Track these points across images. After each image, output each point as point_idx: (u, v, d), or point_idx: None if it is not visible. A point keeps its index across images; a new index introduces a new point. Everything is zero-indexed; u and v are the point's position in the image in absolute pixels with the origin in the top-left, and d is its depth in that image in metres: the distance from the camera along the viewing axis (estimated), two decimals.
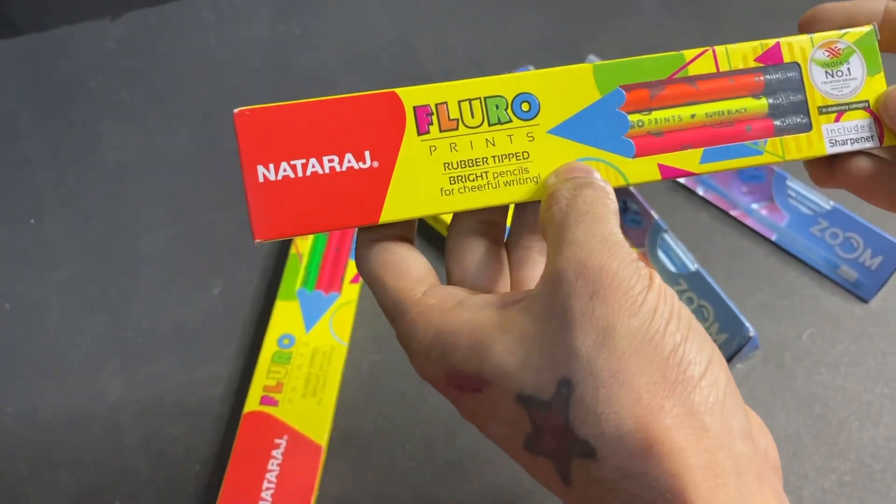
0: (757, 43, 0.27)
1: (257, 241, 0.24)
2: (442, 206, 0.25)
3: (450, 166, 0.25)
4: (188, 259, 0.51)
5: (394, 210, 0.25)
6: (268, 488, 0.39)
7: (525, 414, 0.21)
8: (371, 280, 0.26)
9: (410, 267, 0.25)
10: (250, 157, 0.25)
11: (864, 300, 0.48)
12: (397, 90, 0.26)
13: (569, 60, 0.61)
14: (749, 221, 0.51)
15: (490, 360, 0.22)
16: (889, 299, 0.48)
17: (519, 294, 0.24)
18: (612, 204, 0.24)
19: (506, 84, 0.26)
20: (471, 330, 0.23)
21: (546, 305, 0.22)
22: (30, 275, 0.50)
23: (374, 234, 0.26)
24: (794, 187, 0.50)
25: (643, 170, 0.26)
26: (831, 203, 0.49)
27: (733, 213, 0.51)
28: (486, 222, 0.26)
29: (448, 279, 0.27)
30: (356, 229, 0.27)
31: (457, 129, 0.25)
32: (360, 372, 0.46)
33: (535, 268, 0.27)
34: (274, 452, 0.40)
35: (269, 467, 0.40)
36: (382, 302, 0.25)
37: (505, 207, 0.27)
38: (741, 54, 0.27)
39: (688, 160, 0.26)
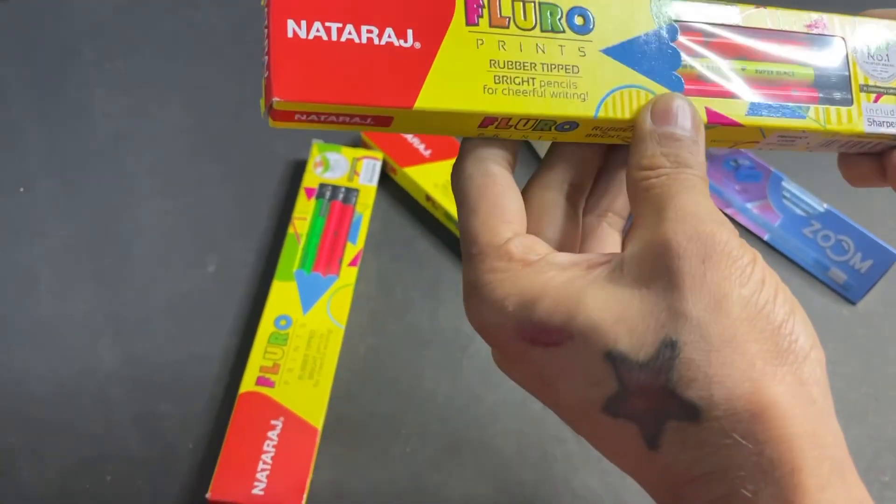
0: (804, 12, 0.27)
1: (275, 98, 0.21)
2: (484, 104, 0.23)
3: (496, 64, 0.24)
4: (182, 234, 0.50)
5: (432, 98, 0.23)
6: (263, 469, 0.39)
7: (612, 373, 0.21)
8: (464, 202, 0.24)
9: (507, 204, 0.24)
10: (280, 8, 0.22)
11: (853, 302, 0.49)
12: None
13: None
14: (742, 220, 0.52)
15: (579, 314, 0.21)
16: (876, 302, 0.50)
17: (605, 256, 0.23)
18: (708, 186, 0.24)
19: None
20: (558, 285, 0.22)
21: (648, 268, 0.22)
22: (20, 244, 0.49)
23: (485, 147, 0.25)
24: (790, 188, 0.51)
25: None
26: (825, 205, 0.50)
27: (727, 211, 0.52)
28: (569, 183, 0.26)
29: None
30: (462, 139, 0.25)
31: (507, 27, 0.24)
32: (356, 356, 0.46)
33: (603, 238, 0.27)
34: (270, 433, 0.40)
35: (265, 448, 0.40)
36: (467, 230, 0.24)
37: (592, 170, 0.27)
38: (791, 19, 0.27)
39: (735, 109, 0.26)
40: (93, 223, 0.50)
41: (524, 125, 0.24)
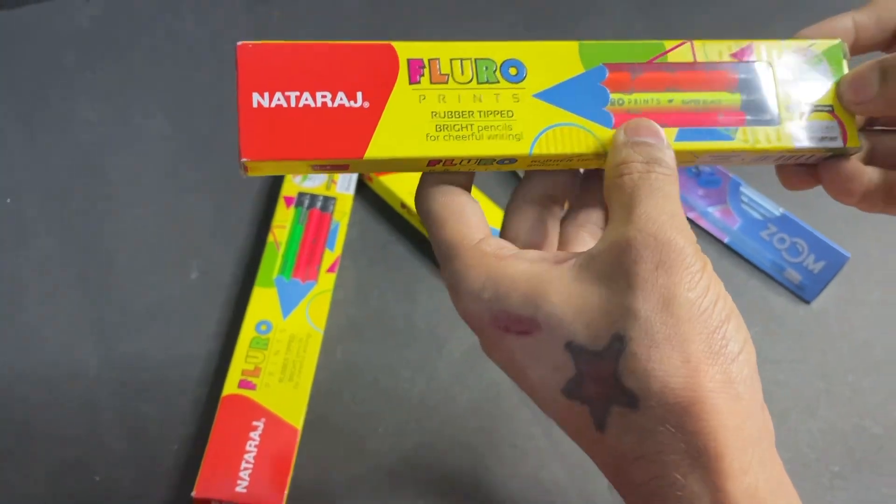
0: (732, 41, 0.30)
1: (243, 159, 0.25)
2: (426, 150, 0.26)
3: (437, 115, 0.27)
4: (165, 241, 0.52)
5: (380, 148, 0.26)
6: (245, 468, 0.41)
7: (571, 360, 0.24)
8: (431, 219, 0.27)
9: (470, 214, 0.27)
10: (246, 84, 0.26)
11: (807, 301, 0.52)
12: (393, 42, 0.27)
13: None
14: (704, 223, 0.54)
15: (545, 306, 0.24)
16: (829, 301, 0.52)
17: (571, 253, 0.26)
18: (677, 185, 0.26)
19: (496, 49, 0.28)
20: (528, 278, 0.25)
21: (609, 266, 0.24)
22: (6, 252, 0.50)
23: (440, 177, 0.28)
24: (748, 193, 0.53)
25: None
26: (781, 210, 0.52)
27: (690, 214, 0.54)
28: (548, 195, 0.29)
29: (501, 237, 0.29)
30: (422, 173, 0.28)
31: (446, 82, 0.27)
32: (334, 359, 0.48)
33: (582, 245, 0.29)
34: (252, 434, 0.42)
35: (247, 448, 0.42)
36: (439, 240, 0.27)
37: (570, 181, 0.29)
38: (717, 49, 0.29)
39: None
40: (77, 231, 0.52)
41: (468, 162, 0.27)
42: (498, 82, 0.27)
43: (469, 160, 0.27)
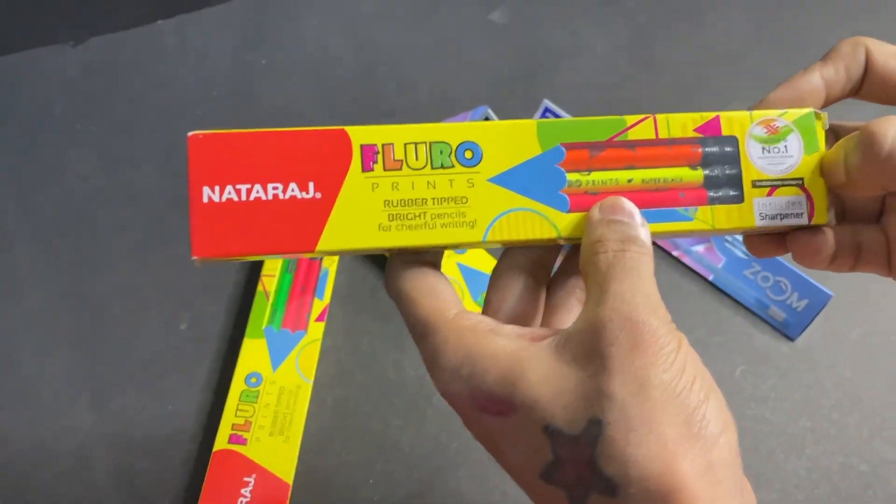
0: (697, 114, 0.29)
1: (194, 258, 0.25)
2: (379, 241, 0.26)
3: (390, 204, 0.26)
4: (156, 292, 0.52)
5: (331, 241, 0.26)
6: None
7: (548, 444, 0.23)
8: (402, 299, 0.27)
9: (443, 290, 0.27)
10: (197, 178, 0.26)
11: (791, 339, 0.52)
12: (346, 128, 0.27)
13: (524, 99, 0.64)
14: (688, 261, 0.55)
15: (522, 388, 0.24)
16: (813, 338, 0.53)
17: (549, 331, 0.26)
18: (652, 263, 0.26)
19: (452, 132, 0.27)
20: (506, 356, 0.25)
21: (585, 348, 0.24)
22: None
23: (408, 257, 0.28)
24: None
25: (577, 225, 0.28)
26: None
27: (674, 252, 0.55)
28: (534, 261, 0.29)
29: (484, 308, 0.29)
30: (388, 256, 0.28)
31: (400, 169, 0.27)
32: (324, 407, 0.48)
33: (569, 312, 0.29)
34: (243, 490, 0.42)
35: None
36: (413, 319, 0.27)
37: (555, 250, 0.29)
38: (681, 124, 0.29)
39: None
40: (70, 284, 0.52)
41: (423, 248, 0.27)
42: (453, 167, 0.27)
43: (424, 247, 0.27)
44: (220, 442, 0.44)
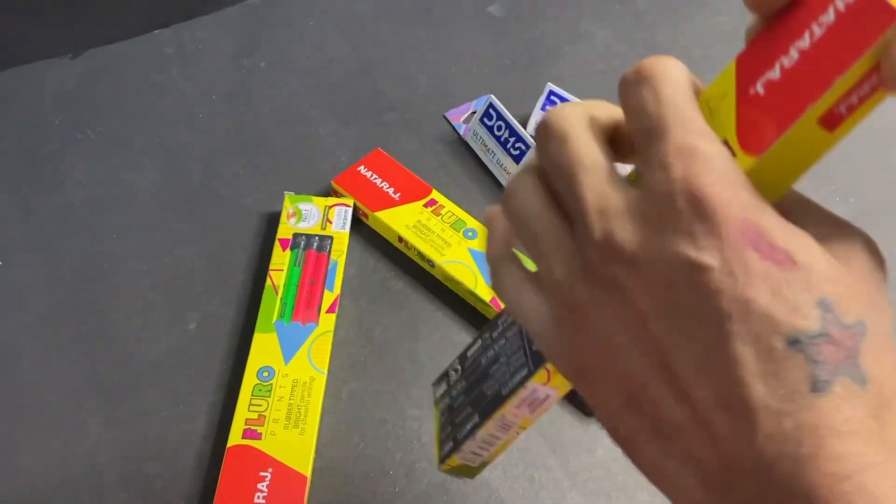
0: None
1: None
2: None
3: None
4: (161, 294, 0.51)
5: None
6: None
7: (819, 315, 0.20)
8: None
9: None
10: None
11: None
12: None
13: (527, 87, 0.63)
14: None
15: (806, 250, 0.21)
16: None
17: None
18: None
19: None
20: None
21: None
22: (1, 316, 0.50)
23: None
24: None
25: None
26: None
27: None
28: None
29: None
30: None
31: None
32: (339, 400, 0.46)
33: None
34: (259, 485, 0.41)
35: (256, 500, 0.40)
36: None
37: None
38: None
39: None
40: (72, 290, 0.51)
41: None
42: None
43: None
44: (234, 437, 0.42)
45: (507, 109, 0.59)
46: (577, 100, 0.58)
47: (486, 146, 0.58)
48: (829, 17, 0.20)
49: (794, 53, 0.20)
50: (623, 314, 0.22)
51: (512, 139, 0.56)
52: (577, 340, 0.23)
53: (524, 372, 0.28)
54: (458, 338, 0.49)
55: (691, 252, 0.20)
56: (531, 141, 0.55)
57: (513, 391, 0.28)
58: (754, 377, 0.20)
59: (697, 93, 0.23)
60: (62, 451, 0.45)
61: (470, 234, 0.52)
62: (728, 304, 0.20)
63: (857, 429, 0.20)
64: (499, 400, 0.28)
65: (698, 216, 0.20)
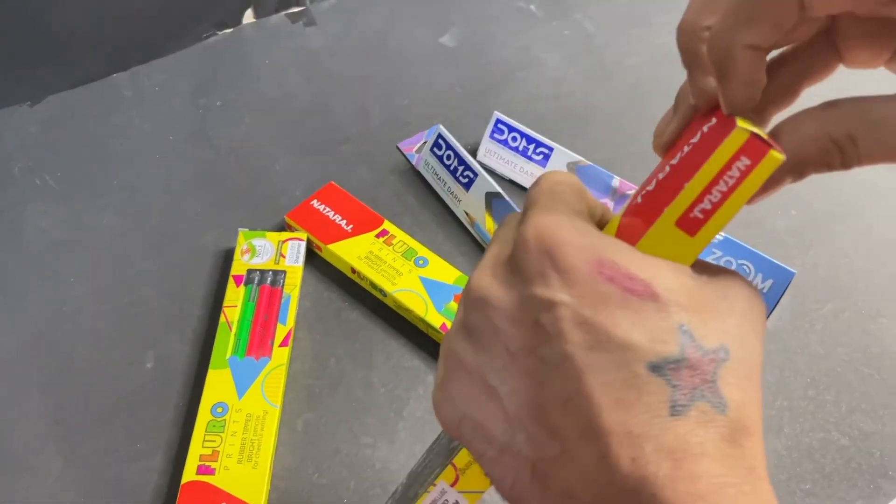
0: None
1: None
2: None
3: None
4: (121, 334, 0.52)
5: None
6: None
7: (678, 340, 0.22)
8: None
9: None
10: None
11: None
12: None
13: (476, 114, 0.65)
14: None
15: (663, 280, 0.22)
16: (782, 318, 0.52)
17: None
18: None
19: None
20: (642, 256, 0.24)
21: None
22: None
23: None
24: None
25: None
26: (722, 234, 0.53)
27: None
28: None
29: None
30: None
31: None
32: (295, 432, 0.47)
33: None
34: None
35: None
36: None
37: None
38: None
39: None
40: (35, 334, 0.52)
41: None
42: None
43: None
44: (189, 474, 0.43)
45: (460, 137, 0.61)
46: (521, 126, 0.60)
47: (437, 175, 0.59)
48: (696, 138, 0.24)
49: (667, 169, 0.24)
50: (498, 358, 0.23)
51: (461, 167, 0.57)
52: (457, 387, 0.25)
53: (437, 470, 0.29)
54: (411, 363, 0.51)
55: (544, 291, 0.22)
56: (479, 169, 0.56)
57: (425, 489, 0.30)
58: (613, 405, 0.21)
59: (582, 192, 0.26)
60: (24, 492, 0.46)
61: (421, 262, 0.53)
62: (585, 335, 0.22)
63: (711, 451, 0.21)
64: (413, 500, 0.30)
65: (550, 259, 0.22)
